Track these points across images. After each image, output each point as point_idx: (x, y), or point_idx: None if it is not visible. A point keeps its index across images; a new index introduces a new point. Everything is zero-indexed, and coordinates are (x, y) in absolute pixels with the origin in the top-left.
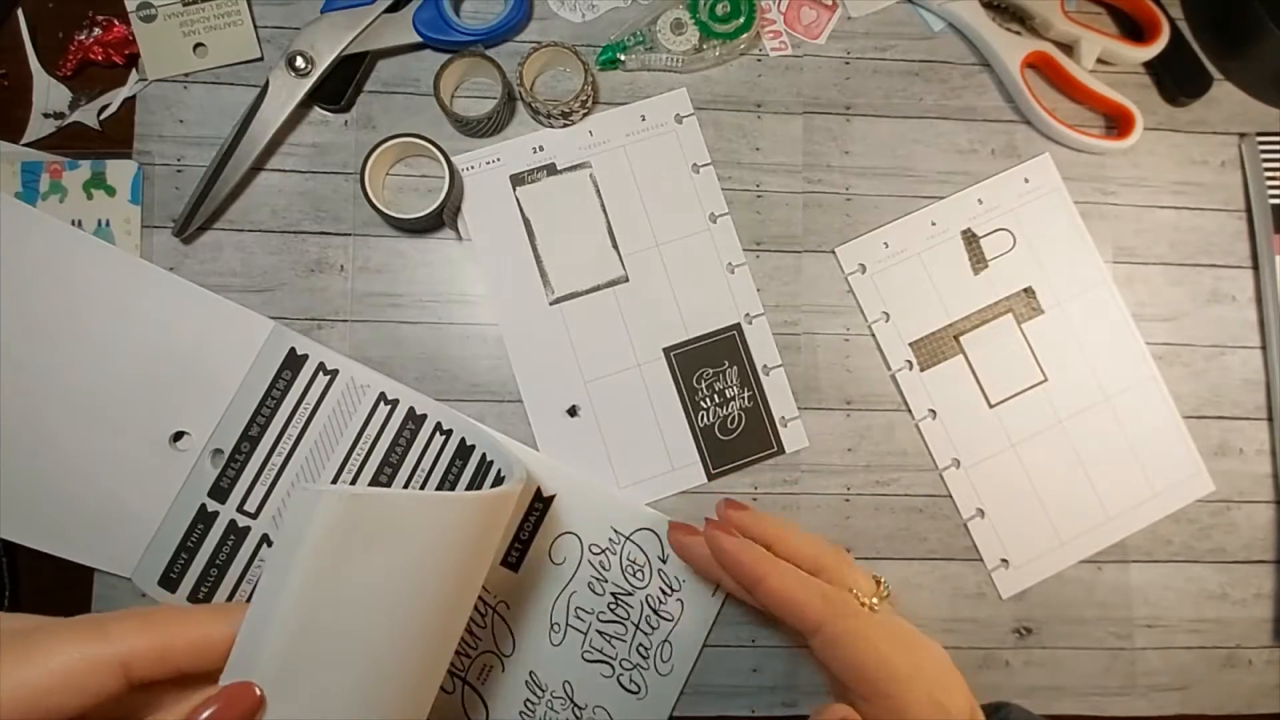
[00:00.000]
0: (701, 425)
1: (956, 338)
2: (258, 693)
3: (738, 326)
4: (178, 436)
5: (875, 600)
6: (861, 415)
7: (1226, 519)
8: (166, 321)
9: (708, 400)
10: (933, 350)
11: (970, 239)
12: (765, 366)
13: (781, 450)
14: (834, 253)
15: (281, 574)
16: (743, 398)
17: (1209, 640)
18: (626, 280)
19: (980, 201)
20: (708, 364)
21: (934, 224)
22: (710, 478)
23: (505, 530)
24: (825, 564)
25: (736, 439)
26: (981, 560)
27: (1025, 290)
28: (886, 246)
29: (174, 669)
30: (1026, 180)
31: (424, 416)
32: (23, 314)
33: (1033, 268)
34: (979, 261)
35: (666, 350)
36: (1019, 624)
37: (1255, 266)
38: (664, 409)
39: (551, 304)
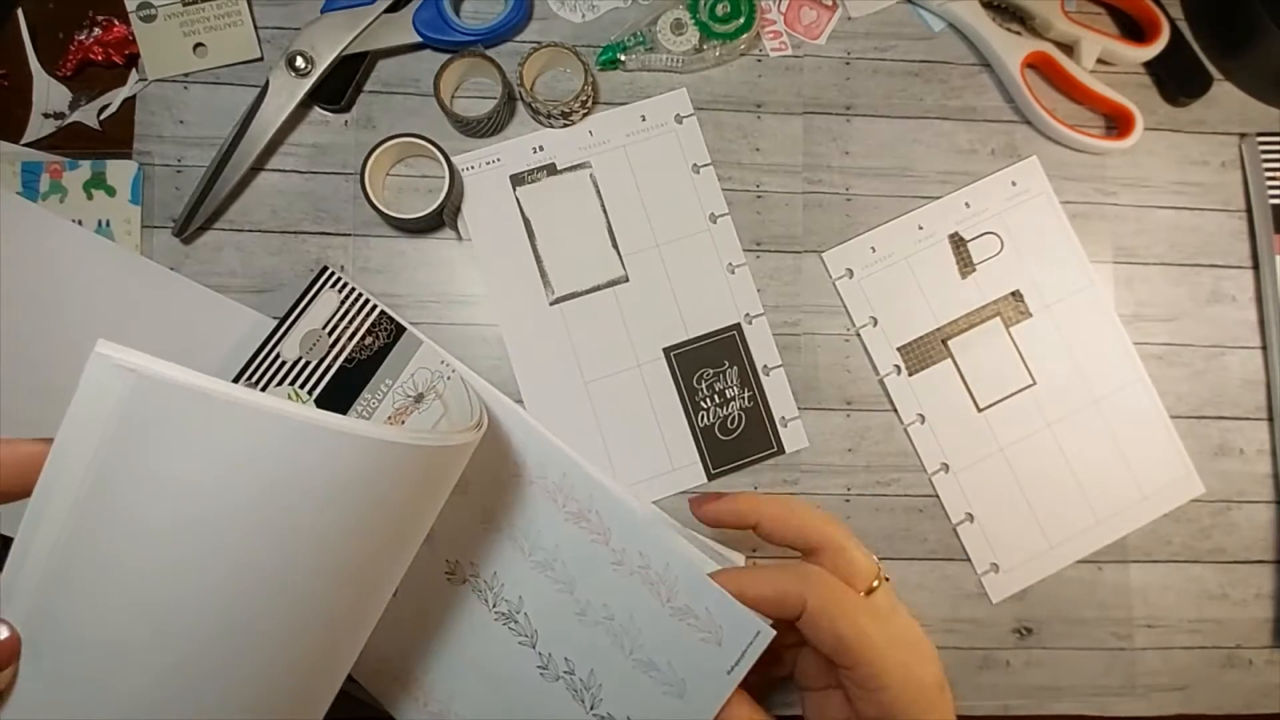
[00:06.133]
0: (701, 425)
1: (944, 342)
2: (4, 633)
3: (738, 326)
4: None
5: (876, 583)
6: (861, 415)
7: (1227, 519)
8: (171, 320)
9: (708, 400)
10: (921, 355)
11: (958, 243)
12: (765, 366)
13: (781, 450)
14: (820, 257)
15: (53, 475)
16: (743, 398)
17: (1209, 640)
18: (626, 280)
19: (968, 205)
20: (708, 364)
21: (921, 228)
22: (710, 478)
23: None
24: (828, 543)
25: (736, 439)
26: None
27: (1013, 294)
28: (874, 251)
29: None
30: (1014, 183)
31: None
32: (26, 311)
33: (1020, 271)
34: (966, 265)
35: (666, 350)
36: (1019, 624)
37: (1255, 266)
38: (664, 409)
39: (551, 304)
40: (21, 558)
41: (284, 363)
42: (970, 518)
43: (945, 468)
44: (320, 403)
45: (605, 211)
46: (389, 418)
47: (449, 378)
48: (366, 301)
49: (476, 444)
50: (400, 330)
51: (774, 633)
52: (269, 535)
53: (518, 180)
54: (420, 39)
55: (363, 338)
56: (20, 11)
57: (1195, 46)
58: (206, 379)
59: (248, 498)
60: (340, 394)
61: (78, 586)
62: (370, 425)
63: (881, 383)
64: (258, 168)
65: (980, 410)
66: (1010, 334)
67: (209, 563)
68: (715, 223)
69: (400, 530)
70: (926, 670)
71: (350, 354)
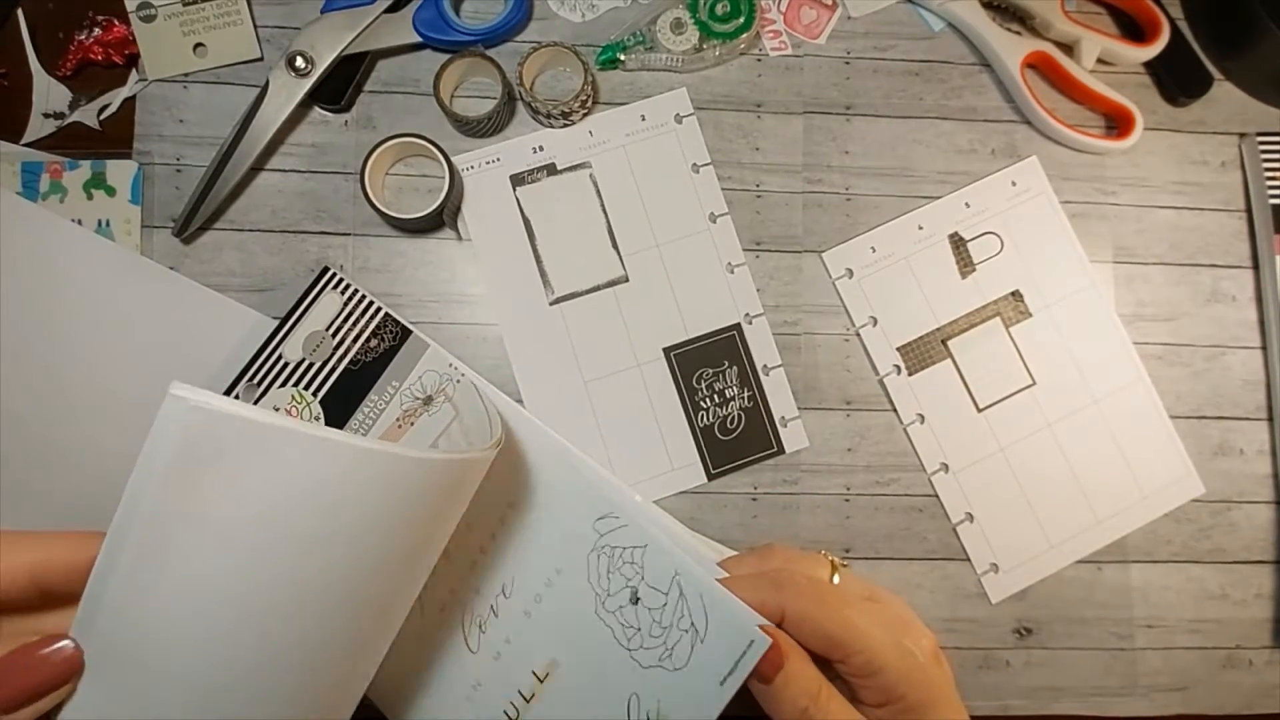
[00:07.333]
0: (701, 425)
1: (944, 342)
2: (70, 648)
3: (738, 326)
4: None
5: (836, 578)
6: (861, 415)
7: (1226, 519)
8: (171, 320)
9: (708, 400)
10: (920, 354)
11: (957, 242)
12: (765, 366)
13: (781, 450)
14: (820, 257)
15: (128, 504)
16: (743, 398)
17: (1209, 640)
18: (626, 280)
19: (968, 205)
20: (708, 364)
21: (921, 228)
22: (710, 478)
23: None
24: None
25: (736, 439)
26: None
27: (1013, 294)
28: (874, 251)
29: (45, 589)
30: (1014, 183)
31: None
32: (26, 311)
33: (1020, 271)
34: (966, 265)
35: (666, 350)
36: (1019, 624)
37: (1255, 266)
38: (664, 409)
39: (551, 304)
40: (101, 587)
41: (286, 364)
42: (970, 518)
43: (945, 467)
44: (325, 403)
45: (605, 211)
46: (397, 419)
47: (458, 381)
48: (370, 304)
49: (496, 454)
50: (406, 333)
51: (769, 640)
52: (322, 554)
53: (518, 180)
54: (420, 39)
55: (367, 340)
56: (20, 11)
57: (1195, 46)
58: (271, 414)
59: (307, 521)
60: (345, 396)
61: (147, 614)
62: (416, 449)
63: (881, 383)
64: (258, 168)
65: (980, 410)
66: (1010, 334)
67: (268, 587)
68: (715, 222)
69: (431, 538)
70: (919, 644)
71: (355, 356)
